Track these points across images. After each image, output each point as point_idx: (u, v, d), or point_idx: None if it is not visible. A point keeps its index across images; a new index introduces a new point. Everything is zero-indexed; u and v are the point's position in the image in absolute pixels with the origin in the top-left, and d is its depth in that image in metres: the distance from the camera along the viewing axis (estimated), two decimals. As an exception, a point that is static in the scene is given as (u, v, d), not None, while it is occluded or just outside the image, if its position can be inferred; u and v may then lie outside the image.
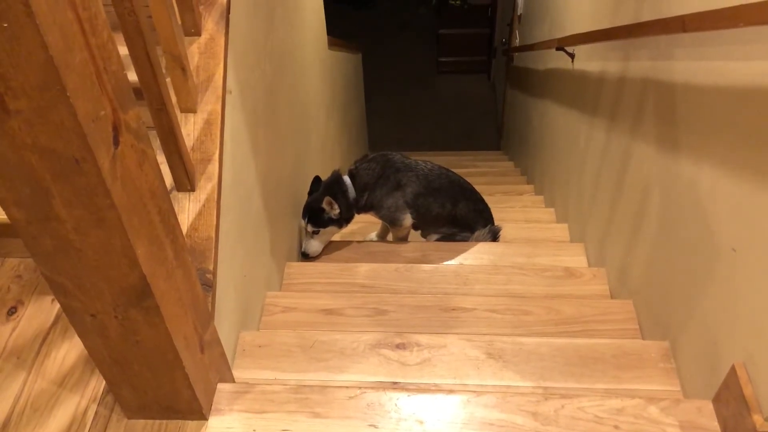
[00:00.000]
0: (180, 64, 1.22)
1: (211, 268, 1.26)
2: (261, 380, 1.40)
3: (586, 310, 1.73)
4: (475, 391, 1.21)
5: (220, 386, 1.23)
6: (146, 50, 1.05)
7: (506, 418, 1.16)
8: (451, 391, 1.22)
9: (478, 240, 2.35)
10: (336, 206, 2.10)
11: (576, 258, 2.24)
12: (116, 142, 0.80)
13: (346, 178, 2.19)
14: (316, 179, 2.23)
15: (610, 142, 1.98)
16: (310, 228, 2.15)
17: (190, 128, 1.30)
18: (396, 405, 1.18)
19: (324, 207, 2.10)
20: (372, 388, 1.24)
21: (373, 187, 2.21)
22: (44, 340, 1.31)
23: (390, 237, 2.52)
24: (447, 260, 2.21)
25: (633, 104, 1.75)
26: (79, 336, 1.01)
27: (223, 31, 1.36)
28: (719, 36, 1.20)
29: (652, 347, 1.44)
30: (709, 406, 1.16)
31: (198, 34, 1.36)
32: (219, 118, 1.31)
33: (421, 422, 1.15)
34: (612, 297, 1.91)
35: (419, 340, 1.49)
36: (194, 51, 1.34)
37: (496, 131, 6.06)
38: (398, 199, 2.23)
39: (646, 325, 1.61)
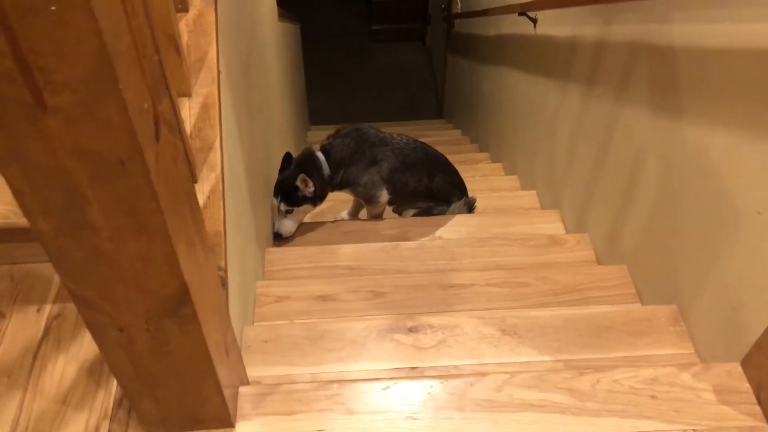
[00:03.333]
0: (174, 44, 1.11)
1: (223, 264, 1.17)
2: (282, 378, 1.33)
3: (581, 277, 1.73)
4: (508, 372, 1.18)
5: (242, 390, 1.15)
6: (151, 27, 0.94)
7: (545, 397, 1.14)
8: (485, 374, 1.18)
9: (454, 213, 2.32)
10: (311, 183, 2.01)
11: (553, 225, 2.25)
12: (158, 137, 0.71)
13: (320, 155, 2.10)
14: (287, 156, 2.13)
15: (589, 109, 1.97)
16: (283, 207, 2.06)
17: (185, 114, 1.20)
18: (431, 393, 1.14)
19: (298, 185, 2.00)
20: (404, 377, 1.19)
21: (349, 163, 2.13)
22: (36, 355, 1.18)
23: (362, 215, 2.45)
24: (427, 235, 2.17)
25: (618, 69, 1.74)
26: (102, 352, 0.91)
27: (213, 6, 1.25)
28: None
29: (661, 312, 1.46)
30: (738, 369, 1.18)
31: (185, 9, 1.24)
32: (216, 102, 1.21)
33: (461, 409, 1.12)
34: (598, 262, 1.93)
35: (431, 322, 1.45)
36: (183, 28, 1.23)
37: (436, 99, 6.04)
38: (374, 175, 2.16)
39: (645, 289, 1.62)
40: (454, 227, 2.22)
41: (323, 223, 2.27)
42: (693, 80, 1.36)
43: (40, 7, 0.54)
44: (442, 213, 2.32)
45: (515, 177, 2.96)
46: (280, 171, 2.12)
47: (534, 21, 2.49)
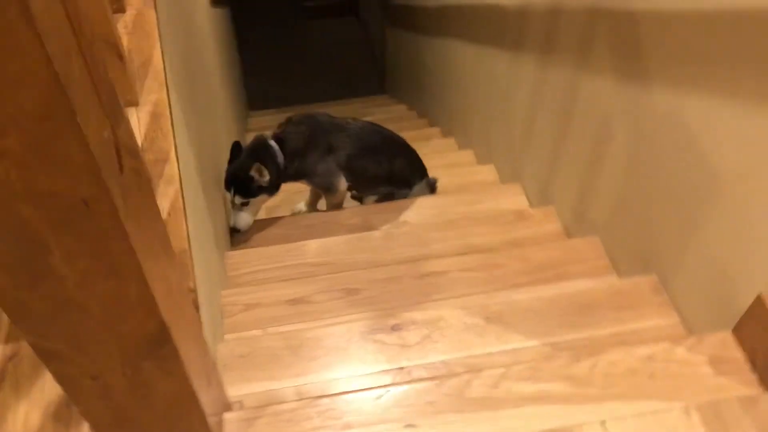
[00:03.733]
0: (116, 51, 1.01)
1: (192, 285, 1.08)
2: (264, 394, 1.25)
3: (553, 252, 1.70)
4: (503, 365, 1.14)
5: (227, 417, 1.07)
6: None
7: (544, 388, 1.10)
8: (479, 370, 1.14)
9: (416, 195, 2.26)
10: (266, 172, 1.90)
11: (516, 199, 2.22)
12: (121, 168, 0.62)
13: (273, 143, 1.99)
14: (236, 145, 2.00)
15: (546, 78, 1.94)
16: (237, 199, 1.95)
17: (134, 125, 1.09)
18: (427, 397, 1.09)
19: (253, 174, 1.89)
20: (398, 383, 1.13)
21: (304, 152, 2.03)
22: (-8, 405, 1.08)
23: (321, 205, 2.37)
24: (392, 222, 2.11)
25: (575, 37, 1.70)
26: (74, 402, 0.82)
27: (152, 3, 1.15)
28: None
29: (643, 283, 1.44)
30: (730, 337, 1.17)
31: (122, 10, 1.13)
32: (166, 109, 1.11)
33: (460, 411, 1.07)
34: (568, 235, 1.91)
35: (413, 317, 1.39)
36: (121, 31, 1.12)
37: (376, 74, 5.94)
38: (331, 163, 2.08)
39: (621, 260, 1.61)
40: (419, 210, 2.17)
41: (281, 217, 2.18)
42: (659, 45, 1.32)
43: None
44: (404, 196, 2.26)
45: (470, 152, 2.92)
46: (229, 162, 2.00)
47: (478, -10, 2.44)
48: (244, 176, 1.90)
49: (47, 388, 1.10)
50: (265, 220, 2.16)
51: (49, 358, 0.73)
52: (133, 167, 0.66)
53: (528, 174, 2.20)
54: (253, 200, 1.96)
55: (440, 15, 3.31)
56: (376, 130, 2.17)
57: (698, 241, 1.27)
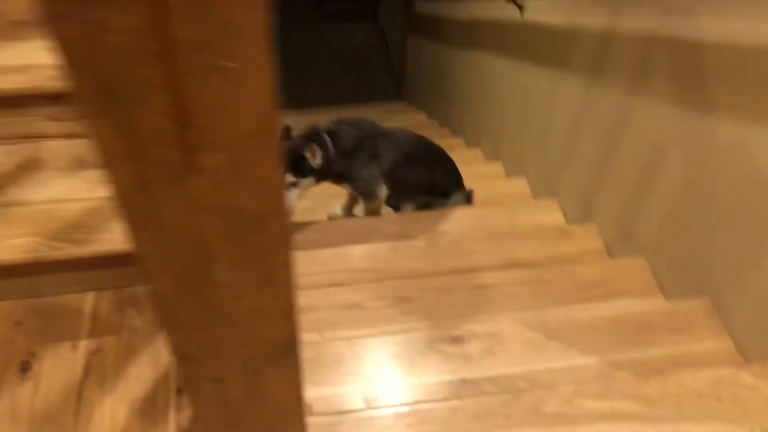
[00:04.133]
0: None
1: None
2: (332, 398, 1.27)
3: (601, 271, 1.73)
4: (571, 382, 1.18)
5: (310, 420, 1.10)
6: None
7: (616, 406, 1.13)
8: (551, 387, 1.17)
9: (453, 205, 2.29)
10: (318, 155, 1.91)
11: (553, 214, 2.25)
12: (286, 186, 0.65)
13: (326, 135, 2.00)
14: (287, 128, 2.02)
15: (594, 99, 1.97)
16: (288, 178, 1.96)
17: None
18: (503, 411, 1.12)
19: (306, 154, 1.91)
20: (474, 395, 1.16)
21: (352, 153, 2.04)
22: (79, 398, 1.10)
23: (356, 211, 2.40)
24: (430, 231, 2.14)
25: (630, 61, 1.74)
26: (193, 403, 0.84)
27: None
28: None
29: (696, 306, 1.47)
30: (793, 365, 1.21)
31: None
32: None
33: (537, 425, 1.10)
34: (609, 254, 1.94)
35: (474, 330, 1.42)
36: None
37: (393, 81, 5.97)
38: (375, 170, 2.10)
39: (669, 282, 1.64)
40: (457, 221, 2.20)
41: (318, 221, 2.21)
42: (728, 77, 1.36)
43: (222, 65, 0.47)
44: (441, 206, 2.29)
45: (499, 164, 2.95)
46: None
47: (521, 8, 2.47)
48: (298, 155, 1.90)
49: (131, 384, 1.12)
50: (303, 223, 2.18)
51: (184, 360, 0.75)
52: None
53: (565, 191, 2.23)
54: (302, 181, 1.96)
55: (472, 28, 3.34)
56: (420, 139, 2.20)
57: (760, 272, 1.30)
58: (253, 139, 0.53)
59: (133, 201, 0.56)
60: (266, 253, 0.64)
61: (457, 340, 1.40)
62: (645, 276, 1.71)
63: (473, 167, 3.02)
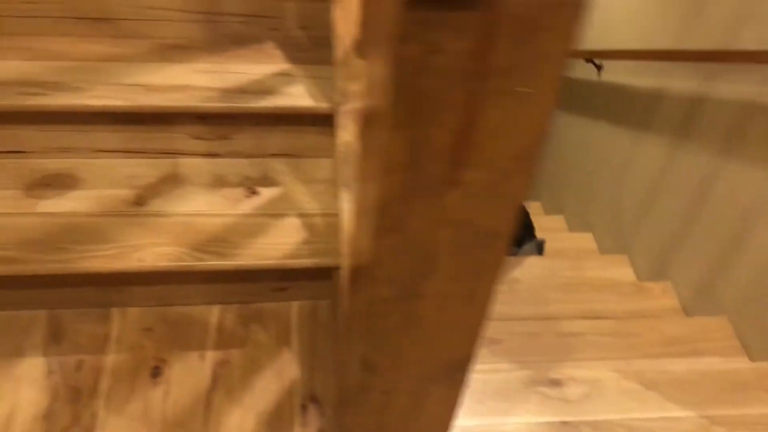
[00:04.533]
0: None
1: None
2: None
3: (683, 328, 1.75)
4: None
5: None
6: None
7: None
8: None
9: (525, 254, 2.33)
10: None
11: (623, 270, 2.27)
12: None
13: None
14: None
15: (678, 161, 2.02)
16: None
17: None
18: (617, 453, 1.13)
19: None
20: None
21: None
22: (208, 406, 1.13)
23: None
24: (503, 277, 2.17)
25: (723, 127, 1.79)
26: (354, 411, 0.88)
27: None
28: None
29: (790, 369, 1.49)
30: None
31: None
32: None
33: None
34: (685, 312, 1.96)
35: (573, 374, 1.44)
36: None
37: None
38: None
39: (754, 343, 1.65)
40: (528, 269, 2.23)
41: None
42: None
43: (519, 90, 0.52)
44: (512, 255, 2.32)
45: (560, 217, 2.99)
46: None
47: (599, 68, 2.55)
48: None
49: (257, 396, 1.15)
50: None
51: (366, 369, 0.79)
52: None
53: (638, 248, 2.26)
54: None
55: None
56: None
57: None
58: (519, 159, 0.58)
59: (390, 210, 0.61)
60: (484, 270, 0.68)
61: (555, 383, 1.42)
62: (729, 336, 1.72)
63: (535, 220, 3.07)
